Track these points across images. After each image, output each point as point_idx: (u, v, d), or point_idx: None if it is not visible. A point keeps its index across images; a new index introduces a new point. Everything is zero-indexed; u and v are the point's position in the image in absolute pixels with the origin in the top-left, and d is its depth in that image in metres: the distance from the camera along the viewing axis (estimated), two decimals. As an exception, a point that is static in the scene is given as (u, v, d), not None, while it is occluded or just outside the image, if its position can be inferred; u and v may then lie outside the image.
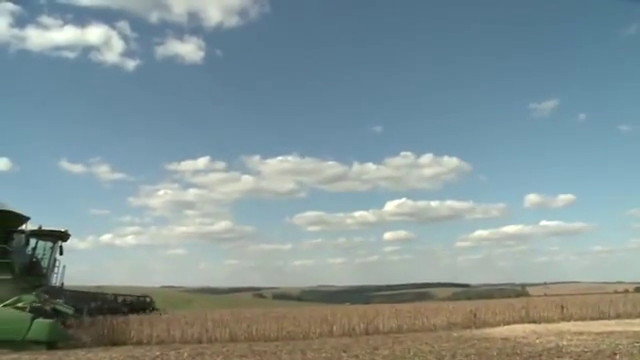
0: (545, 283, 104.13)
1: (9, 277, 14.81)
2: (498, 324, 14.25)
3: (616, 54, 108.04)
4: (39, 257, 16.28)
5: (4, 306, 11.81)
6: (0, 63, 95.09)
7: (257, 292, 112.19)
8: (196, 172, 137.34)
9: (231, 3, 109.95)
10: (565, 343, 9.20)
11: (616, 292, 32.22)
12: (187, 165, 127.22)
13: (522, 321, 14.70)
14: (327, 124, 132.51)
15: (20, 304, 11.90)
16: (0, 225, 15.58)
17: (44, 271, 16.20)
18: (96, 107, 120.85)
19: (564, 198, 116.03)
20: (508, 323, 14.36)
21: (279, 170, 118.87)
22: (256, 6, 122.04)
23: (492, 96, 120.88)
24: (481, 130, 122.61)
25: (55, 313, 12.07)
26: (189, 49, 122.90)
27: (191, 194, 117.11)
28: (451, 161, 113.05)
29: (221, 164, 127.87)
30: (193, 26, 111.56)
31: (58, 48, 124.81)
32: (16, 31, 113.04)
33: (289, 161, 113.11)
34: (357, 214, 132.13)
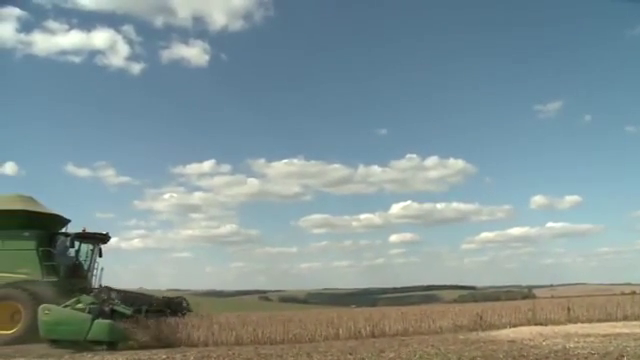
0: (552, 285, 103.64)
1: (55, 279, 14.98)
2: (504, 326, 14.20)
3: (622, 55, 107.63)
4: (81, 259, 16.34)
5: (64, 307, 12.12)
6: (6, 68, 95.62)
7: (263, 295, 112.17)
8: (201, 175, 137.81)
9: (236, 7, 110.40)
10: (572, 345, 9.17)
11: (623, 294, 31.99)
12: (192, 168, 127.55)
13: (528, 323, 14.64)
14: (332, 127, 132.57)
15: (79, 305, 12.20)
16: (43, 228, 15.75)
17: (86, 273, 16.27)
18: (102, 111, 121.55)
19: (570, 200, 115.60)
20: (514, 325, 14.31)
21: (284, 173, 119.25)
22: (261, 10, 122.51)
23: (497, 98, 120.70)
24: (486, 132, 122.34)
25: (113, 313, 12.31)
26: (194, 53, 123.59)
27: (197, 197, 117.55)
28: (456, 163, 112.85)
29: (226, 167, 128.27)
30: (198, 30, 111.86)
31: (64, 53, 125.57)
32: (22, 36, 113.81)
33: (294, 164, 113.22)
34: (363, 217, 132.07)
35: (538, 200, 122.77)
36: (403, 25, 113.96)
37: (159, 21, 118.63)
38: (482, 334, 12.38)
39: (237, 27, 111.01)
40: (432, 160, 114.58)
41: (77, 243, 16.23)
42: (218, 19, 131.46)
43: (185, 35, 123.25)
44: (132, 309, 12.51)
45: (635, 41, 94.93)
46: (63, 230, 16.55)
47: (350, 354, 8.80)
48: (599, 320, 15.27)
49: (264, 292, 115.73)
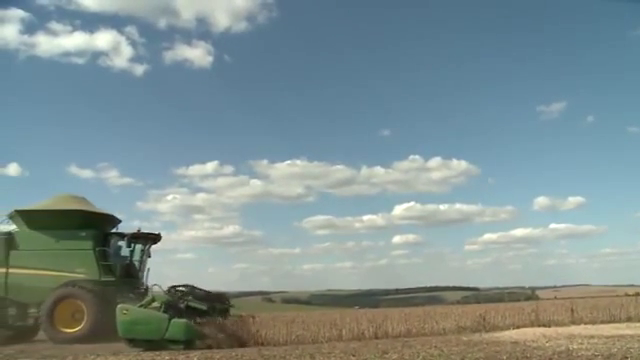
0: (555, 286, 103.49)
1: (112, 279, 15.17)
2: (508, 328, 14.19)
3: (624, 56, 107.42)
4: (133, 259, 16.46)
5: (139, 306, 12.33)
6: (10, 69, 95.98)
7: (266, 296, 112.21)
8: (204, 177, 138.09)
9: (239, 8, 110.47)
10: (575, 347, 9.15)
11: (627, 295, 31.90)
12: (195, 170, 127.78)
13: (532, 324, 14.62)
14: (335, 128, 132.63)
15: (155, 303, 12.40)
16: (97, 228, 15.94)
17: (137, 273, 16.39)
18: (105, 112, 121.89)
19: (573, 201, 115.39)
20: (518, 327, 14.29)
21: (287, 174, 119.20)
22: (264, 11, 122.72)
23: (500, 99, 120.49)
24: (489, 133, 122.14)
25: (189, 310, 12.50)
26: (197, 54, 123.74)
27: (199, 199, 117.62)
28: (459, 164, 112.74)
29: (229, 168, 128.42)
30: (201, 31, 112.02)
31: (67, 54, 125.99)
32: (26, 37, 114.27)
33: (297, 165, 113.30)
34: (366, 218, 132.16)
35: (541, 201, 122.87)
36: (406, 27, 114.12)
37: (162, 22, 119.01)
38: (485, 335, 12.36)
39: (240, 28, 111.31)
40: (435, 161, 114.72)
41: (126, 243, 16.34)
42: (221, 20, 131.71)
43: (188, 36, 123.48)
44: (206, 305, 12.77)
45: (638, 42, 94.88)
46: (114, 230, 16.79)
47: (353, 355, 8.80)
48: (603, 321, 15.24)
49: (267, 293, 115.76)
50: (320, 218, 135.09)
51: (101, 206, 16.10)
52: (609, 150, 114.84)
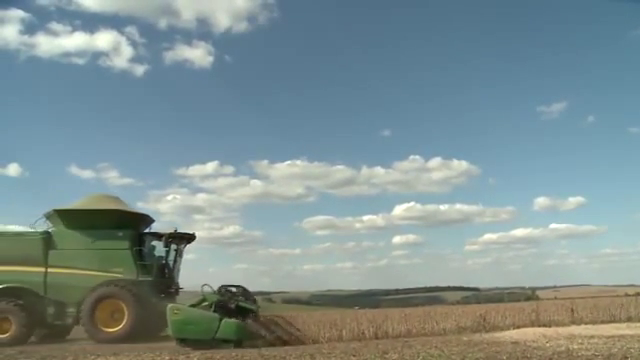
0: (555, 286, 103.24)
1: (150, 279, 15.26)
2: (508, 328, 14.20)
3: (625, 56, 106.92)
4: (168, 259, 16.48)
5: (190, 306, 12.57)
6: (10, 70, 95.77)
7: (267, 296, 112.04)
8: (205, 177, 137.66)
9: (240, 9, 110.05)
10: (576, 347, 9.15)
11: (627, 295, 31.85)
12: (196, 170, 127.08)
13: (532, 325, 14.63)
14: (335, 128, 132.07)
15: (205, 303, 12.61)
16: (133, 228, 16.05)
17: (172, 273, 16.42)
18: (105, 112, 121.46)
19: (574, 201, 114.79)
20: (518, 327, 14.30)
21: (288, 174, 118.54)
22: (265, 12, 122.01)
23: (500, 99, 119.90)
24: (490, 133, 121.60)
25: (239, 310, 12.72)
26: (198, 54, 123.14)
27: (200, 199, 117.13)
28: (460, 164, 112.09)
29: (230, 169, 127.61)
30: (202, 31, 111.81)
31: (67, 54, 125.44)
32: (26, 38, 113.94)
33: (298, 165, 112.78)
34: (366, 218, 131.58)
35: (541, 201, 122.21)
36: (406, 27, 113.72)
37: (163, 23, 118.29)
38: (485, 335, 12.37)
39: (241, 29, 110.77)
40: (435, 161, 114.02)
41: (159, 242, 16.40)
42: (222, 21, 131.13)
43: (189, 37, 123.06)
44: (256, 305, 13.02)
45: (638, 42, 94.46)
46: (147, 229, 16.85)
47: (353, 355, 8.81)
48: (603, 322, 15.24)
49: (267, 293, 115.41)
50: (320, 218, 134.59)
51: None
52: (610, 150, 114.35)
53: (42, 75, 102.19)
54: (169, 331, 12.20)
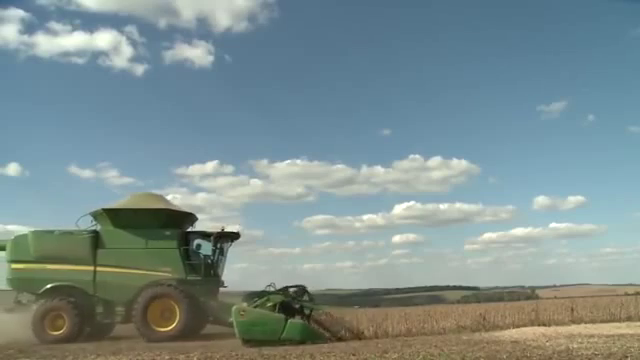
0: (555, 285, 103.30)
1: (198, 278, 15.32)
2: (508, 327, 14.19)
3: (625, 55, 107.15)
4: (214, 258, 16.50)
5: (254, 307, 12.66)
6: (10, 70, 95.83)
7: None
8: (204, 176, 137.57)
9: (240, 8, 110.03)
10: (575, 346, 9.15)
11: (627, 294, 31.93)
12: (195, 169, 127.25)
13: (532, 324, 14.62)
14: (335, 127, 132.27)
15: (269, 304, 12.70)
16: (179, 227, 16.12)
17: (217, 271, 16.41)
18: (105, 112, 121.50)
19: (574, 200, 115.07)
20: (518, 326, 14.29)
21: (287, 174, 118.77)
22: (265, 11, 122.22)
23: (500, 98, 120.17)
24: (490, 132, 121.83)
25: (302, 310, 13.04)
26: (198, 53, 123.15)
27: (200, 198, 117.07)
28: (460, 164, 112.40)
29: (230, 168, 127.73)
30: (202, 31, 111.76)
31: (67, 54, 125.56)
32: (25, 37, 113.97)
33: (297, 165, 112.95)
34: (366, 217, 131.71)
35: (541, 200, 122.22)
36: (406, 26, 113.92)
37: (162, 22, 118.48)
38: (485, 335, 12.36)
39: (241, 28, 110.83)
40: (435, 160, 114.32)
41: (203, 242, 16.43)
42: (222, 20, 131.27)
43: (189, 36, 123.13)
44: (316, 305, 13.25)
45: (638, 41, 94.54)
46: (191, 228, 16.87)
47: (353, 355, 8.80)
48: (603, 321, 15.24)
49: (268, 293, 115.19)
50: (320, 218, 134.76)
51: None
52: (609, 149, 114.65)
53: (42, 75, 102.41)
54: (235, 332, 12.28)
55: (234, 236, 16.60)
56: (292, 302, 12.98)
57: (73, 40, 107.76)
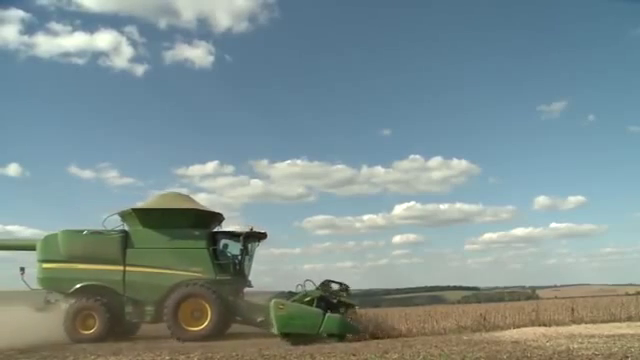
0: (555, 285, 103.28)
1: (228, 278, 15.35)
2: (508, 327, 14.19)
3: (625, 54, 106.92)
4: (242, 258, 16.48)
5: (293, 301, 12.92)
6: (10, 70, 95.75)
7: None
8: (205, 177, 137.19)
9: (240, 8, 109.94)
10: (576, 346, 9.15)
11: (627, 294, 31.91)
12: (195, 170, 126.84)
13: (532, 324, 14.63)
14: (335, 128, 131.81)
15: (307, 299, 12.99)
16: (207, 226, 16.16)
17: (244, 271, 16.38)
18: (105, 112, 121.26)
19: (574, 200, 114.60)
20: (518, 326, 14.30)
21: (288, 174, 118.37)
22: (265, 12, 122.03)
23: (501, 98, 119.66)
24: (490, 132, 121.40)
25: (340, 305, 13.12)
26: (198, 53, 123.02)
27: (200, 199, 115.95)
28: (460, 164, 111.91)
29: (230, 168, 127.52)
30: (202, 31, 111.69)
31: (67, 54, 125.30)
32: (25, 38, 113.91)
33: (298, 165, 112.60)
34: (366, 217, 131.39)
35: (542, 200, 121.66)
36: (406, 26, 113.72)
37: (163, 23, 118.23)
38: (486, 335, 12.37)
39: (242, 28, 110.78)
40: (436, 161, 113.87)
41: (229, 241, 16.39)
42: (222, 21, 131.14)
43: (189, 36, 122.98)
44: (355, 301, 13.45)
45: (638, 41, 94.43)
46: (217, 227, 16.87)
47: (353, 355, 8.80)
48: (603, 321, 15.24)
49: (268, 294, 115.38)
50: (320, 218, 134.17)
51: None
52: (610, 149, 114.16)
53: (42, 75, 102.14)
54: (273, 326, 12.43)
55: (261, 236, 16.59)
56: (330, 297, 13.14)
57: (73, 40, 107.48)
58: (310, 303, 12.87)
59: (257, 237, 16.43)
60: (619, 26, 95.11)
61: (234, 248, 16.18)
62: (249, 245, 16.34)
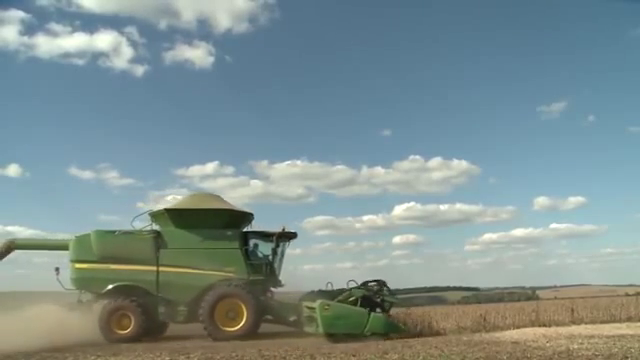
0: (555, 286, 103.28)
1: (261, 278, 15.42)
2: (508, 328, 14.21)
3: (625, 55, 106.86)
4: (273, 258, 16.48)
5: (337, 301, 13.17)
6: (10, 71, 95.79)
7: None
8: (205, 177, 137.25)
9: (241, 9, 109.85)
10: (576, 347, 9.15)
11: (627, 295, 31.88)
12: (195, 170, 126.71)
13: (532, 324, 14.65)
14: (336, 128, 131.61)
15: (351, 298, 13.29)
16: (239, 226, 16.18)
17: (275, 271, 16.36)
18: (105, 113, 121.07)
19: (574, 200, 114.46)
20: (518, 327, 14.32)
21: (288, 175, 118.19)
22: (265, 12, 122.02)
23: (501, 99, 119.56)
24: (490, 133, 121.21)
25: (383, 304, 13.46)
26: (198, 54, 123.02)
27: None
28: (460, 164, 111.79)
29: (230, 169, 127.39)
30: (202, 32, 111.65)
31: (67, 55, 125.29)
32: (25, 39, 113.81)
33: (298, 165, 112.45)
34: (366, 218, 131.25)
35: (542, 201, 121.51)
36: (407, 26, 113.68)
37: (163, 23, 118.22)
38: (486, 335, 12.38)
39: (242, 29, 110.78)
40: (436, 161, 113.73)
41: (259, 241, 16.40)
42: (222, 21, 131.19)
43: (189, 37, 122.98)
44: (396, 298, 13.77)
45: (638, 41, 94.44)
46: (247, 227, 16.87)
47: (353, 355, 8.80)
48: (603, 321, 15.25)
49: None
50: (320, 218, 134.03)
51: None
52: (610, 150, 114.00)
53: (42, 76, 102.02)
54: (319, 326, 12.53)
55: (292, 236, 16.62)
56: (373, 296, 13.35)
57: (73, 41, 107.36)
58: (354, 303, 13.07)
59: (288, 237, 16.45)
60: (619, 26, 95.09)
61: (264, 248, 16.24)
62: (280, 245, 16.37)
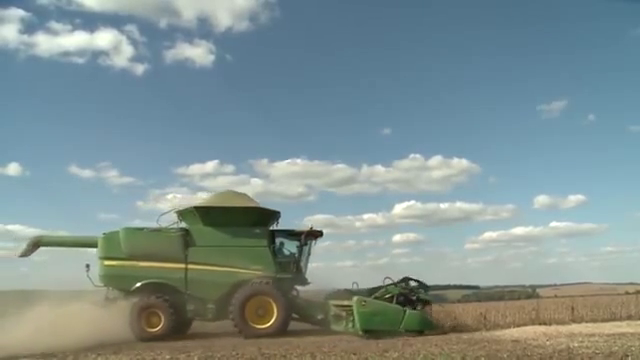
0: (555, 284, 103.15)
1: (289, 276, 15.43)
2: (508, 326, 14.22)
3: (625, 54, 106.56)
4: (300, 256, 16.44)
5: (374, 298, 13.37)
6: (10, 69, 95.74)
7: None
8: (205, 176, 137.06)
9: (241, 8, 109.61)
10: (576, 345, 9.16)
11: (627, 293, 31.89)
12: (196, 169, 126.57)
13: (532, 323, 14.65)
14: (336, 127, 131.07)
15: (387, 295, 13.49)
16: (266, 225, 16.13)
17: (302, 269, 16.31)
18: (105, 112, 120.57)
19: (574, 199, 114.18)
20: (518, 325, 14.32)
21: (288, 173, 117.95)
22: (266, 11, 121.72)
23: (501, 97, 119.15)
24: (490, 132, 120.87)
25: (418, 302, 13.55)
26: (199, 53, 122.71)
27: (200, 198, 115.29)
28: (460, 163, 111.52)
29: (230, 167, 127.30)
30: (203, 31, 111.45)
31: (67, 54, 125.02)
32: (25, 37, 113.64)
33: (298, 164, 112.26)
34: (366, 217, 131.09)
35: (542, 199, 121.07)
36: (406, 26, 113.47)
37: (163, 22, 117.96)
38: (486, 334, 12.39)
39: (242, 28, 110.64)
40: (436, 160, 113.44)
41: (284, 240, 16.36)
42: (223, 20, 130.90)
43: (190, 35, 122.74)
44: (431, 296, 13.93)
45: (638, 41, 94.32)
46: (274, 226, 16.78)
47: (354, 354, 8.80)
48: (603, 320, 15.27)
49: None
50: (320, 217, 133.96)
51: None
52: (610, 148, 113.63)
53: (42, 74, 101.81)
54: (356, 322, 12.64)
55: (318, 234, 16.58)
56: (409, 294, 13.48)
57: (73, 40, 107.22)
58: (390, 300, 13.22)
59: (314, 235, 16.43)
60: (619, 26, 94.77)
61: (290, 246, 16.25)
62: (307, 243, 16.35)
